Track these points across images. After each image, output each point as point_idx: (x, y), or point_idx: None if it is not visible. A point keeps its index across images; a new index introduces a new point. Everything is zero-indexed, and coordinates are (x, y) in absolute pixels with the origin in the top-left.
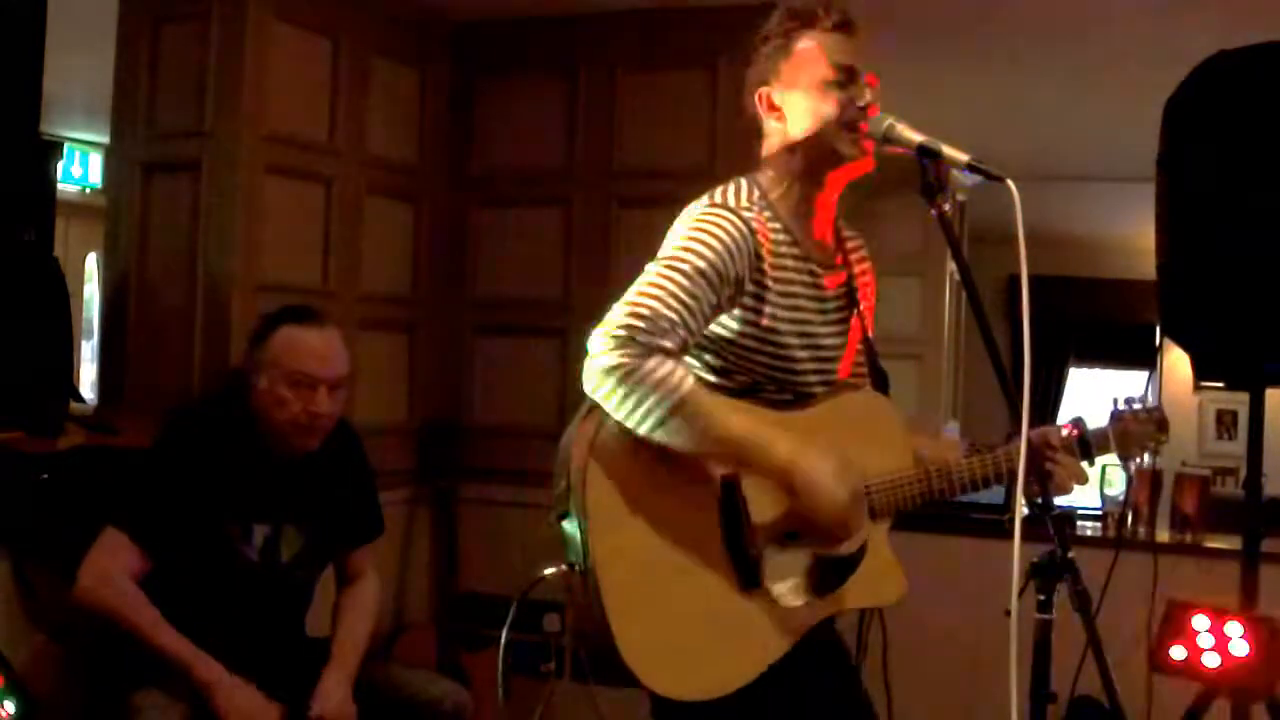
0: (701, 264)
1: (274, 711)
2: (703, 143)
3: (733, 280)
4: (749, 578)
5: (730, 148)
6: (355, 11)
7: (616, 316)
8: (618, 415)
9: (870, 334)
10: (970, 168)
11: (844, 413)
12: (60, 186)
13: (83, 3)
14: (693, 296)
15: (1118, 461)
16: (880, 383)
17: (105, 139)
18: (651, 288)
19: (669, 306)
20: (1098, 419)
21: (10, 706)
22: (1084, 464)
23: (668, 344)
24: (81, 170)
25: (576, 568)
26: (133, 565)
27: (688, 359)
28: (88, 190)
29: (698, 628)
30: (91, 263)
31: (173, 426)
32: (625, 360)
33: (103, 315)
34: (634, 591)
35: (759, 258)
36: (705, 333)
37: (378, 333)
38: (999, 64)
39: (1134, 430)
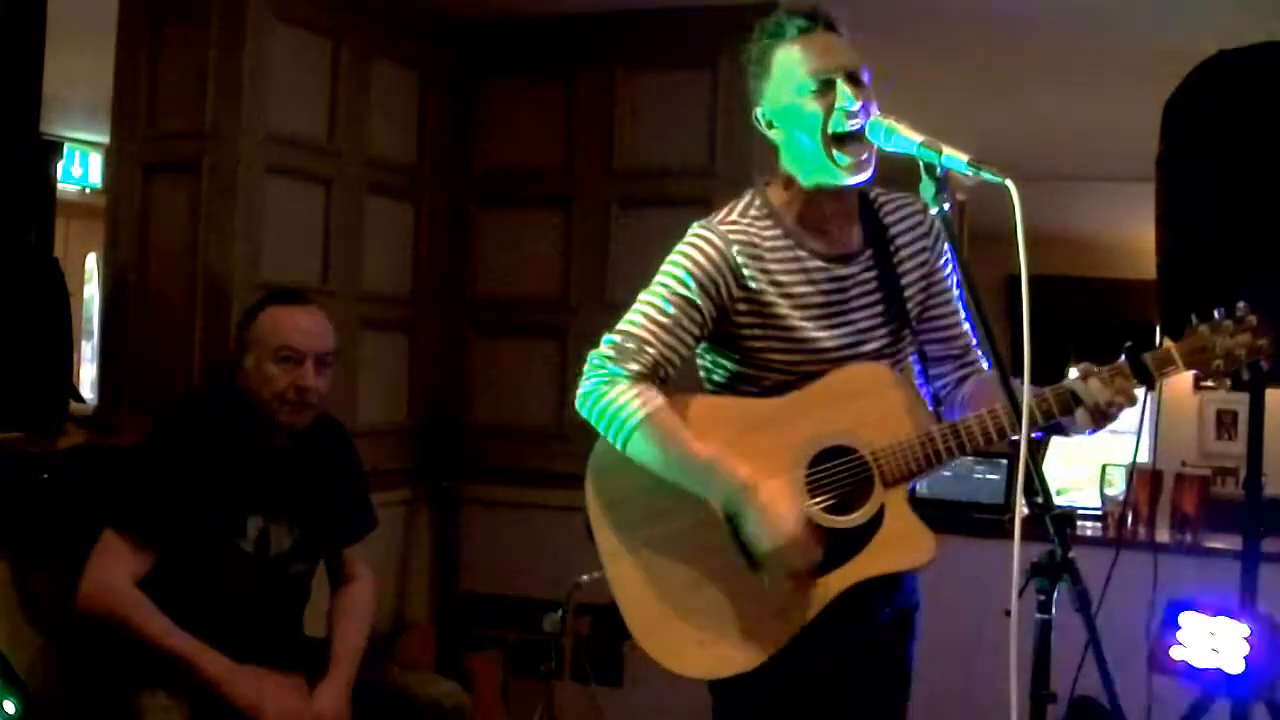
0: (675, 284)
1: (289, 684)
2: (703, 143)
3: (715, 294)
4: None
5: (730, 148)
6: (355, 11)
7: (601, 345)
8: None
9: (912, 307)
10: (970, 167)
11: (841, 386)
12: (60, 186)
13: (83, 3)
14: (666, 315)
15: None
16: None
17: (105, 139)
18: (631, 313)
19: (642, 328)
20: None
21: (10, 706)
22: (1141, 388)
23: (634, 367)
24: (81, 170)
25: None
26: (133, 567)
27: (709, 373)
28: (88, 190)
29: (708, 608)
30: (91, 263)
31: (162, 421)
32: (593, 388)
33: (103, 315)
34: (639, 580)
35: (743, 267)
36: (725, 345)
37: (378, 333)
38: (999, 64)
39: (1216, 343)
